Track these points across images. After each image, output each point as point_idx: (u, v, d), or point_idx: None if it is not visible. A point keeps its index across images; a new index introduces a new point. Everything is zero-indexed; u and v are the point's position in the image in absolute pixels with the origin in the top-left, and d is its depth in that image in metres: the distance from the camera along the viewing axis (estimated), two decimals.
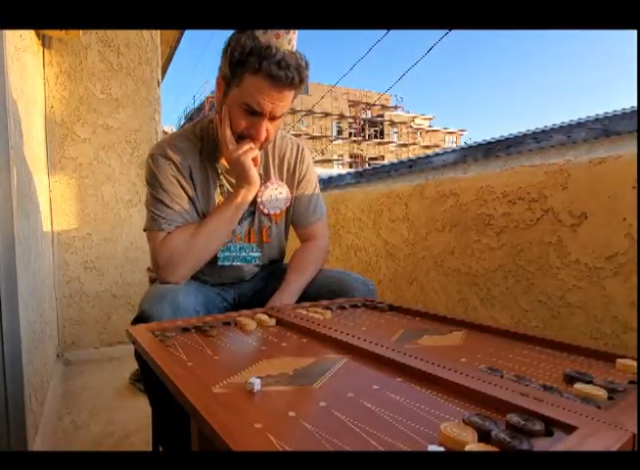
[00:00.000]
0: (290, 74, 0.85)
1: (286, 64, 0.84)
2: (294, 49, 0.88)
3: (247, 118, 0.92)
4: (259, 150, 0.99)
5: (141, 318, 0.82)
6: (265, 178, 1.08)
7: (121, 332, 2.26)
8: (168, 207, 0.97)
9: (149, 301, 0.85)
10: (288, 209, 1.13)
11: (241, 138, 0.95)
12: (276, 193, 1.08)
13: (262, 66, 0.83)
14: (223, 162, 1.04)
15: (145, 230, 1.00)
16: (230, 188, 1.05)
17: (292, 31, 0.86)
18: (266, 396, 0.45)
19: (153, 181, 0.99)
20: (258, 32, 0.85)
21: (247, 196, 0.98)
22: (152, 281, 1.16)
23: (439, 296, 1.43)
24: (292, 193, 1.12)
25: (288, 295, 1.01)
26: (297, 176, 1.11)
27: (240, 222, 1.05)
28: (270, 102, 0.88)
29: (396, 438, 0.37)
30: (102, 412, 1.57)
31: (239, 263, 1.08)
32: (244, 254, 1.08)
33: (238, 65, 0.87)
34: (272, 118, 0.93)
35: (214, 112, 1.02)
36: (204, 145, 1.03)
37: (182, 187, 0.99)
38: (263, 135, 0.93)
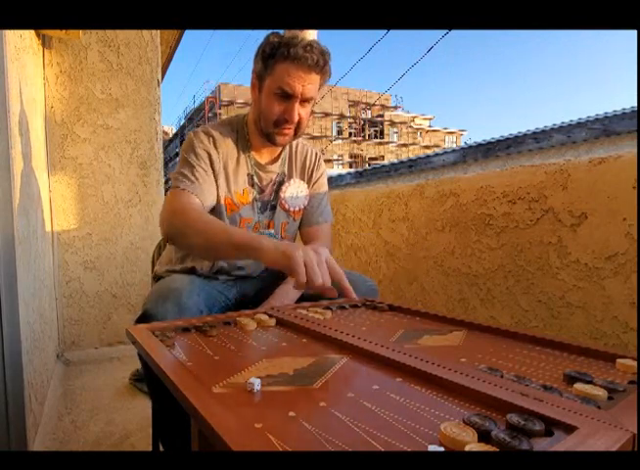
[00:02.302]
0: (315, 57, 0.96)
1: (310, 48, 0.96)
2: (316, 39, 1.01)
3: (280, 104, 1.01)
4: (294, 137, 1.08)
5: (145, 318, 0.82)
6: (288, 176, 1.16)
7: (121, 332, 2.26)
8: (194, 174, 1.01)
9: (152, 300, 0.86)
10: (304, 208, 1.19)
11: (276, 126, 1.03)
12: (297, 191, 1.17)
13: (290, 51, 0.95)
14: (254, 154, 1.12)
15: (169, 190, 1.03)
16: (258, 181, 1.12)
17: (313, 32, 1.04)
18: (266, 396, 0.45)
19: (188, 149, 1.05)
20: (286, 32, 1.01)
21: (263, 253, 0.82)
22: (155, 279, 1.16)
23: (439, 296, 1.43)
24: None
25: (289, 293, 1.03)
26: (312, 179, 1.20)
27: (263, 212, 1.13)
28: (300, 83, 0.98)
29: (396, 438, 0.37)
30: (102, 412, 1.57)
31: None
32: None
33: (269, 58, 0.99)
34: (303, 101, 1.01)
35: (249, 111, 1.12)
36: (238, 137, 1.11)
37: (212, 162, 1.04)
38: (296, 117, 1.02)
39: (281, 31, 1.02)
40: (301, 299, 1.05)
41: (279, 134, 1.04)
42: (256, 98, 1.06)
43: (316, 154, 1.23)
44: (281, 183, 1.15)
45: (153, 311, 0.82)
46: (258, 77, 1.04)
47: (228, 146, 1.08)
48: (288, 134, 1.05)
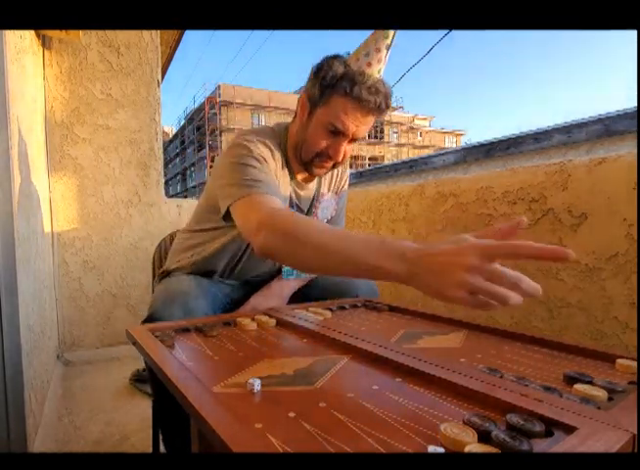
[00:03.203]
0: (378, 100, 0.89)
1: (376, 90, 0.88)
2: (381, 78, 0.92)
3: (328, 138, 0.94)
4: (331, 171, 1.05)
5: (151, 320, 0.81)
6: (321, 189, 1.13)
7: (121, 332, 2.26)
8: (262, 175, 0.88)
9: (159, 303, 0.85)
10: (330, 220, 1.17)
11: (317, 157, 0.97)
12: (328, 204, 1.14)
13: (354, 90, 0.87)
14: (294, 172, 1.05)
15: (232, 203, 0.86)
16: (295, 198, 1.06)
17: (382, 62, 0.90)
18: (266, 396, 0.45)
19: (243, 154, 0.91)
20: (351, 60, 0.90)
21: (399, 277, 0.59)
22: (160, 276, 1.14)
23: None
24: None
25: (288, 282, 1.05)
26: (340, 187, 1.18)
27: None
28: (355, 124, 0.91)
29: (396, 438, 0.37)
30: (102, 413, 1.57)
31: (297, 277, 1.10)
32: None
33: (328, 87, 0.90)
34: (352, 140, 0.96)
35: (291, 125, 1.03)
36: (282, 153, 1.02)
37: (271, 171, 0.95)
38: (341, 156, 0.96)
39: (344, 54, 0.93)
40: (301, 299, 1.05)
41: (317, 166, 0.99)
42: (303, 123, 0.98)
43: (345, 171, 1.20)
44: (315, 198, 1.12)
45: (159, 314, 0.82)
46: (311, 101, 0.96)
47: (278, 161, 1.00)
48: (326, 168, 1.00)
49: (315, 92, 0.93)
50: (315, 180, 1.11)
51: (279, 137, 1.03)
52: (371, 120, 0.94)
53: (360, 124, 0.92)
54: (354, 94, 0.87)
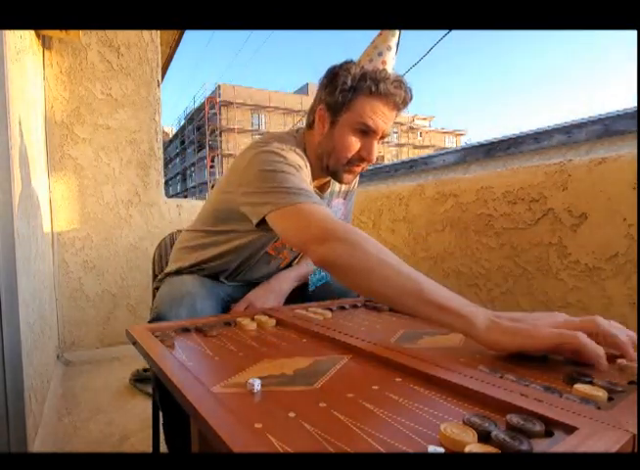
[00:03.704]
0: (403, 94, 0.90)
1: (399, 84, 0.89)
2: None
3: (359, 140, 0.94)
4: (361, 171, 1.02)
5: (157, 321, 0.81)
6: (334, 196, 1.13)
7: (121, 332, 2.26)
8: (304, 184, 0.85)
9: (165, 303, 0.85)
10: None
11: (349, 163, 0.96)
12: (336, 209, 1.15)
13: (379, 87, 0.88)
14: (315, 185, 1.05)
15: (272, 210, 0.82)
16: None
17: (394, 59, 0.92)
18: (266, 396, 0.45)
19: (280, 161, 0.88)
20: (363, 61, 0.92)
21: (478, 332, 0.58)
22: (162, 276, 1.14)
23: None
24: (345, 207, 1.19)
25: (292, 272, 1.07)
26: (350, 189, 1.18)
27: None
28: (384, 121, 0.91)
29: (396, 438, 0.37)
30: (102, 413, 1.57)
31: (325, 282, 1.12)
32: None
33: (350, 90, 0.90)
34: (381, 138, 0.95)
35: (307, 136, 1.01)
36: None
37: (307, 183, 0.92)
38: (375, 156, 0.95)
39: (353, 59, 0.94)
40: (301, 299, 1.05)
41: (348, 172, 0.98)
42: (328, 133, 0.96)
43: None
44: (328, 205, 1.11)
45: (166, 315, 0.82)
46: (332, 109, 0.94)
47: (308, 168, 0.98)
48: (356, 172, 0.99)
49: (336, 99, 0.92)
50: (330, 188, 1.11)
51: (302, 144, 1.01)
52: (396, 115, 0.94)
53: (388, 120, 0.92)
54: (381, 91, 0.88)
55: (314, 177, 1.03)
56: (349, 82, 0.89)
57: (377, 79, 0.88)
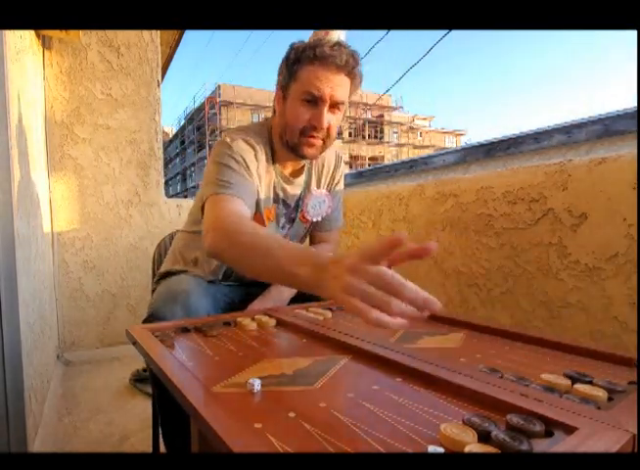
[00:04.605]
0: (344, 56, 0.89)
1: (339, 47, 0.90)
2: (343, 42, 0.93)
3: (308, 110, 0.94)
4: (322, 149, 1.00)
5: (152, 319, 0.81)
6: (309, 185, 1.11)
7: (121, 332, 2.26)
8: (234, 178, 0.91)
9: (160, 302, 0.85)
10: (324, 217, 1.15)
11: (303, 135, 0.95)
12: (319, 201, 1.11)
13: (317, 51, 0.89)
14: (279, 168, 1.05)
15: (205, 201, 0.91)
16: (282, 194, 1.06)
17: (341, 32, 0.93)
18: (266, 396, 0.45)
19: (224, 154, 0.94)
20: (309, 37, 0.94)
21: (301, 281, 0.62)
22: (158, 277, 1.14)
23: (439, 296, 1.43)
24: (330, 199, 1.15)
25: (283, 293, 1.03)
26: (334, 181, 1.16)
27: (283, 227, 1.08)
28: (329, 86, 0.91)
29: (396, 438, 0.37)
30: (102, 413, 1.57)
31: None
32: None
33: (295, 63, 0.92)
34: (332, 107, 0.94)
35: (273, 120, 1.04)
36: (267, 149, 1.03)
37: (251, 174, 0.96)
38: (325, 122, 0.94)
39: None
40: (302, 299, 1.05)
41: (306, 144, 0.96)
42: (281, 110, 0.98)
43: (337, 153, 1.17)
44: (303, 194, 1.11)
45: (161, 313, 0.82)
46: (283, 88, 0.97)
47: (262, 159, 1.00)
48: (315, 144, 0.97)
49: (284, 75, 0.95)
50: (304, 175, 1.10)
51: (266, 132, 1.04)
52: (345, 81, 0.93)
53: (334, 85, 0.91)
54: (318, 55, 0.89)
55: (283, 161, 1.05)
56: (293, 56, 0.92)
57: (314, 46, 0.89)
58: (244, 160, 0.94)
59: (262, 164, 1.00)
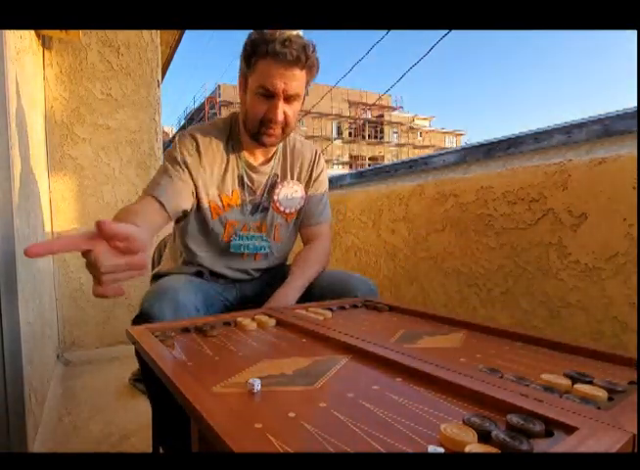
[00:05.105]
0: (294, 52, 0.92)
1: (290, 42, 0.91)
2: (298, 34, 0.96)
3: (264, 103, 0.97)
4: (282, 137, 1.04)
5: (142, 317, 0.82)
6: (282, 177, 1.13)
7: (121, 332, 2.26)
8: (163, 180, 0.99)
9: (149, 299, 0.86)
10: (300, 210, 1.17)
11: (262, 125, 0.99)
12: (291, 191, 1.14)
13: (269, 48, 0.91)
14: (246, 155, 1.09)
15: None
16: (249, 183, 1.09)
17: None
18: (266, 396, 0.45)
19: (168, 155, 1.04)
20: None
21: None
22: (154, 278, 1.15)
23: (439, 296, 1.43)
24: (305, 193, 1.17)
25: (292, 289, 1.02)
26: (312, 177, 1.17)
27: (253, 214, 1.11)
28: (281, 81, 0.94)
29: (396, 438, 0.37)
30: (102, 413, 1.57)
31: (248, 252, 1.11)
32: (254, 242, 1.11)
33: (251, 55, 0.95)
34: (287, 100, 0.97)
35: (239, 111, 1.08)
36: (231, 135, 1.09)
37: (190, 169, 1.01)
38: (280, 116, 0.98)
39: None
40: (301, 299, 1.05)
41: (265, 134, 1.01)
42: (243, 98, 1.03)
43: (315, 151, 1.20)
44: (274, 184, 1.12)
45: (150, 310, 0.82)
46: (243, 76, 1.01)
47: (215, 149, 1.05)
48: (274, 134, 1.01)
49: (243, 65, 0.99)
50: (272, 163, 1.12)
51: (228, 123, 1.10)
52: (299, 75, 0.96)
53: (288, 80, 0.94)
54: (270, 51, 0.91)
55: (251, 149, 1.09)
56: (249, 48, 0.95)
57: (267, 41, 0.92)
58: (184, 161, 1.01)
59: (218, 155, 1.06)
